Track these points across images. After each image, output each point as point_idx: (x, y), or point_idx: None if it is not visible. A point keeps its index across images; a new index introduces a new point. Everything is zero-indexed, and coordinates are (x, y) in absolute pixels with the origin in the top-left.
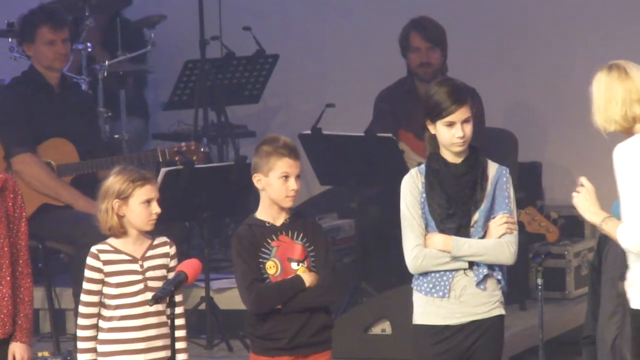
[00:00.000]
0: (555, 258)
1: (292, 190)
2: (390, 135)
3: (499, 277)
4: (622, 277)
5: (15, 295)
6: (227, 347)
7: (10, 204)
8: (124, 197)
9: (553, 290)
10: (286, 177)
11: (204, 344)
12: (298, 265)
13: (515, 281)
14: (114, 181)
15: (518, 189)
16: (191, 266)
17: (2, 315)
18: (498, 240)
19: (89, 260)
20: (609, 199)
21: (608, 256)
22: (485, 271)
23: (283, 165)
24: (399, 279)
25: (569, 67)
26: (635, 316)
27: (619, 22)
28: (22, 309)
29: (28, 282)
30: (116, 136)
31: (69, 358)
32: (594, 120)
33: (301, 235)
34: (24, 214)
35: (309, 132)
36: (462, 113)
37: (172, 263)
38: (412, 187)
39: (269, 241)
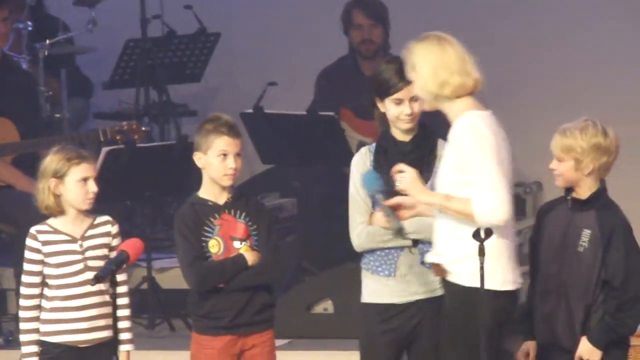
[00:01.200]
0: None
1: (230, 169)
2: (332, 114)
3: None
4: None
5: None
6: (169, 327)
7: None
8: (59, 175)
9: None
10: (225, 155)
11: (145, 324)
12: (241, 244)
13: None
14: (50, 160)
15: None
16: (133, 245)
17: None
18: None
19: (28, 241)
20: None
21: (545, 234)
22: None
23: (221, 143)
24: (342, 258)
25: (524, 44)
26: (464, 294)
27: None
28: None
29: None
30: (57, 115)
31: (10, 338)
32: (422, 85)
33: (244, 214)
34: None
35: (250, 111)
36: (409, 90)
37: (115, 242)
38: (360, 165)
39: (212, 220)
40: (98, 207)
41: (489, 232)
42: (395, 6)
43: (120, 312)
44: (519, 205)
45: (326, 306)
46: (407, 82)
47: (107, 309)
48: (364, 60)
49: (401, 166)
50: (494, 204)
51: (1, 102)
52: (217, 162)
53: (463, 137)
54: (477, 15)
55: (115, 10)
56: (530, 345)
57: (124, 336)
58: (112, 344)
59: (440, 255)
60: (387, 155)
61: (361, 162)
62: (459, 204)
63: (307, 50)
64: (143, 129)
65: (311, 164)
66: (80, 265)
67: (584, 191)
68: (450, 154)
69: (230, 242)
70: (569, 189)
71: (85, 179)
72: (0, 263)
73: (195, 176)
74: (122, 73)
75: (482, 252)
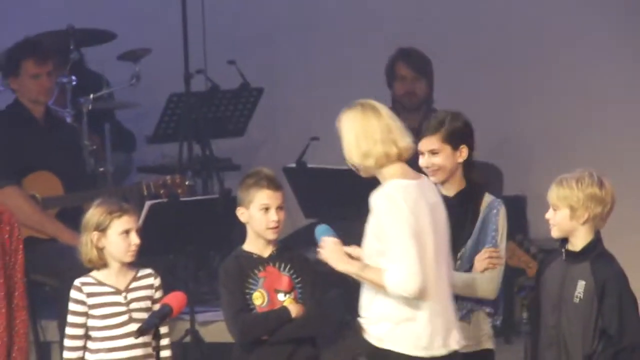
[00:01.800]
0: None
1: (272, 222)
2: None
3: (488, 310)
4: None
5: (10, 327)
6: None
7: (6, 237)
8: (102, 228)
9: None
10: (267, 208)
11: None
12: (285, 296)
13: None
14: (92, 214)
15: None
16: (176, 299)
17: None
18: (479, 274)
19: (73, 293)
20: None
21: (545, 287)
22: (469, 306)
23: (263, 196)
24: None
25: (555, 100)
26: (376, 356)
27: (605, 53)
28: (17, 341)
29: (23, 315)
30: (101, 169)
31: None
32: (347, 153)
33: (288, 266)
34: (20, 246)
35: (293, 165)
36: (425, 144)
37: (157, 294)
38: None
39: (256, 272)
40: (141, 260)
41: (532, 288)
42: (439, 61)
43: None
44: None
45: None
46: (426, 135)
47: None
48: (407, 113)
49: (322, 239)
50: (404, 277)
51: (46, 156)
52: (260, 216)
53: (379, 207)
54: (523, 73)
55: (159, 65)
56: None
57: None
58: None
59: (362, 316)
60: None
61: None
62: (373, 274)
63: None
64: (186, 183)
65: (354, 218)
66: (125, 317)
67: (579, 241)
68: (371, 222)
69: (274, 294)
70: (564, 241)
71: (127, 232)
72: (44, 316)
73: (238, 230)
74: (166, 127)
75: (527, 308)
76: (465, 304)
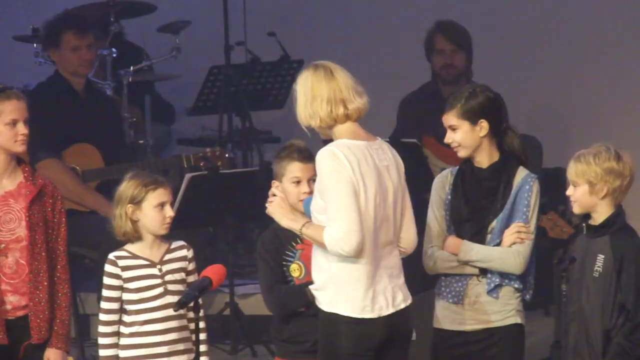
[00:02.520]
0: None
1: (304, 194)
2: (415, 140)
3: (516, 286)
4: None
5: (52, 300)
6: (251, 353)
7: (49, 209)
8: (137, 201)
9: None
10: (298, 181)
11: (228, 350)
12: None
13: (540, 287)
14: (126, 187)
15: (542, 195)
16: (216, 272)
17: (39, 321)
18: (506, 249)
19: (107, 267)
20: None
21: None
22: (497, 280)
23: (294, 169)
24: (422, 285)
25: (593, 72)
26: (327, 320)
27: None
28: (59, 314)
29: (66, 287)
30: (140, 142)
31: None
32: (298, 115)
33: None
34: (63, 219)
35: None
36: (445, 120)
37: (190, 266)
38: (439, 188)
39: (294, 244)
40: (180, 232)
41: (572, 260)
42: (477, 34)
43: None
44: None
45: None
46: (445, 111)
47: (186, 333)
48: (446, 86)
49: (272, 191)
50: (341, 235)
51: (86, 128)
52: (292, 188)
53: (321, 165)
54: (562, 45)
55: (199, 37)
56: None
57: None
58: None
59: (313, 282)
60: (464, 181)
61: (440, 184)
62: (314, 231)
63: (389, 77)
64: (226, 155)
65: None
66: (160, 289)
67: (600, 216)
68: (317, 179)
69: (311, 266)
70: (587, 217)
71: (162, 204)
72: (83, 288)
73: None
74: (206, 99)
75: (566, 280)
76: (493, 278)
